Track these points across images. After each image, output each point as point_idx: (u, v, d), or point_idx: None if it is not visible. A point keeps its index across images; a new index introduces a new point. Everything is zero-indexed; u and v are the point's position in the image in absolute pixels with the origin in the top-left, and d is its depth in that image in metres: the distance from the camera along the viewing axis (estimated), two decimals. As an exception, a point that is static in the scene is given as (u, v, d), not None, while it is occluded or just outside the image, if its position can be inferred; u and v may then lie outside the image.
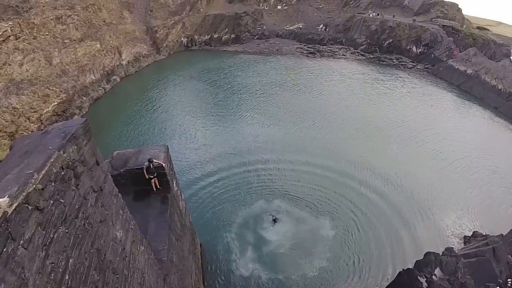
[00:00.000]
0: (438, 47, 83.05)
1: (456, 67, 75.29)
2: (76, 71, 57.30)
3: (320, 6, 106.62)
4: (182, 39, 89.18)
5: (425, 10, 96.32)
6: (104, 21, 64.94)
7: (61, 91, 52.77)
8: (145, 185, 16.76)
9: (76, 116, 53.27)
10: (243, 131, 46.66)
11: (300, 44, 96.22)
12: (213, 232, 29.48)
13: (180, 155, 40.18)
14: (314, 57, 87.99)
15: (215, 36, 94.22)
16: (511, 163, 43.95)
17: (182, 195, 21.31)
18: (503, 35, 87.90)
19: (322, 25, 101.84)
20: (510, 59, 67.94)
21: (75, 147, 7.10)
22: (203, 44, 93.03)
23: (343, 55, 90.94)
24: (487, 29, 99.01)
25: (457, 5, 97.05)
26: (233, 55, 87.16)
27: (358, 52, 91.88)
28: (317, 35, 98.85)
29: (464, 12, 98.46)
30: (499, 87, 65.17)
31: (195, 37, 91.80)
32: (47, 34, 51.53)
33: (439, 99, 64.36)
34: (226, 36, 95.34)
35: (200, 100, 57.36)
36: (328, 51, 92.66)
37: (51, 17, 51.91)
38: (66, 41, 55.53)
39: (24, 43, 46.17)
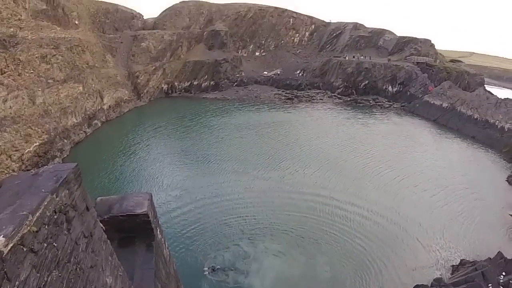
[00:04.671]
0: (414, 84, 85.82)
1: (432, 102, 77.43)
2: (58, 112, 55.34)
3: (297, 52, 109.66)
4: (163, 85, 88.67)
5: (399, 49, 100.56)
6: (87, 64, 63.71)
7: (43, 132, 50.60)
8: (129, 232, 16.17)
9: (57, 159, 51.08)
10: (222, 178, 45.02)
11: (278, 90, 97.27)
12: (196, 279, 27.56)
13: (162, 202, 38.37)
14: (292, 102, 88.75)
15: (195, 83, 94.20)
16: (491, 189, 44.44)
17: (166, 243, 21.38)
18: (476, 64, 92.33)
19: (299, 70, 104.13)
20: (484, 87, 70.41)
21: (67, 191, 7.14)
22: (183, 91, 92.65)
23: (320, 99, 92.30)
24: (460, 61, 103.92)
25: (430, 41, 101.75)
26: (212, 102, 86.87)
27: (335, 96, 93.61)
28: (294, 81, 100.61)
29: (437, 46, 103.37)
30: (475, 116, 66.97)
31: (176, 83, 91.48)
32: (32, 72, 49.76)
33: (416, 135, 65.37)
34: (206, 83, 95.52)
35: (180, 147, 56.00)
36: (306, 96, 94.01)
37: (37, 55, 50.33)
38: (49, 81, 53.83)
39: (9, 79, 44.21)
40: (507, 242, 33.68)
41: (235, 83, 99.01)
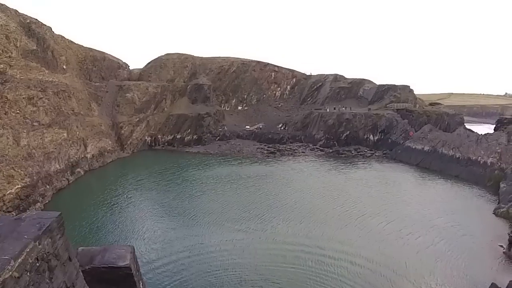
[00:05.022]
0: (395, 131, 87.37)
1: (413, 146, 78.41)
2: (42, 157, 53.41)
3: (279, 105, 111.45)
4: (146, 137, 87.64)
5: (379, 97, 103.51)
6: (72, 110, 62.50)
7: (26, 175, 48.47)
8: (111, 284, 17.01)
9: (38, 204, 48.49)
10: (205, 230, 43.11)
11: (261, 144, 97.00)
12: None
13: (143, 253, 36.64)
14: (275, 156, 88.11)
15: (178, 136, 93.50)
16: (478, 223, 44.00)
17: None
18: (455, 105, 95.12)
19: (281, 124, 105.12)
20: (465, 126, 71.72)
21: (50, 240, 7.25)
22: (166, 144, 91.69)
23: (302, 152, 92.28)
24: (440, 103, 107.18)
25: (409, 86, 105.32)
26: (195, 156, 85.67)
27: (317, 148, 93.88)
28: (276, 134, 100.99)
29: (416, 91, 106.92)
30: (457, 156, 67.73)
31: (159, 136, 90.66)
32: (18, 113, 48.25)
33: (398, 180, 65.10)
34: (189, 137, 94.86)
35: (162, 200, 54.27)
36: (288, 149, 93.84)
37: (24, 96, 49.08)
38: (35, 123, 52.28)
39: (-5, 116, 42.13)
40: (500, 272, 32.67)
41: (218, 137, 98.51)
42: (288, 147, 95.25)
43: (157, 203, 52.39)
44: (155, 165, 73.39)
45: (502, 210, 47.57)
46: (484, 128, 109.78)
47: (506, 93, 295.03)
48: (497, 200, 52.29)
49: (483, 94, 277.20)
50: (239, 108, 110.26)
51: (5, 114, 45.08)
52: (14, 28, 47.75)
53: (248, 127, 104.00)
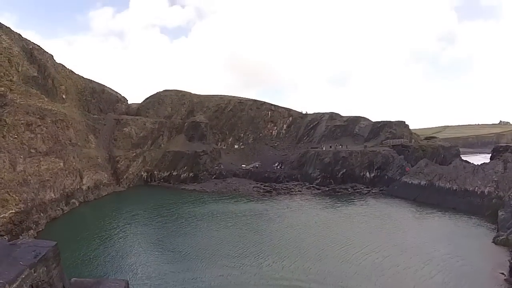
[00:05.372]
0: (391, 168, 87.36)
1: (410, 182, 78.13)
2: (37, 184, 53.33)
3: (275, 144, 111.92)
4: (142, 173, 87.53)
5: (375, 134, 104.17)
6: (70, 140, 62.82)
7: (20, 201, 48.41)
8: None
9: (31, 231, 47.95)
10: (199, 267, 42.46)
11: (257, 183, 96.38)
12: None
13: None
14: (271, 195, 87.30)
15: (175, 173, 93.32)
16: (477, 253, 43.32)
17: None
18: (451, 137, 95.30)
19: (277, 162, 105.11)
20: (461, 157, 71.69)
21: (45, 268, 7.28)
22: (162, 180, 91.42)
23: (299, 191, 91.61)
24: (435, 137, 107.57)
25: (404, 122, 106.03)
26: (191, 194, 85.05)
27: (313, 187, 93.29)
28: (273, 173, 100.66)
29: (412, 126, 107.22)
30: (454, 188, 67.45)
31: (155, 172, 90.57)
32: (16, 138, 48.41)
33: (395, 216, 64.28)
34: (185, 174, 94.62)
35: (157, 236, 53.70)
36: (284, 188, 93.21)
37: (22, 121, 49.46)
38: (32, 150, 52.43)
39: (-7, 138, 42.26)
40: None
41: (214, 176, 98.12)
42: (285, 186, 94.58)
43: (151, 238, 51.91)
44: (151, 201, 72.86)
45: (501, 237, 46.95)
46: (480, 158, 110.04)
47: (500, 121, 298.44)
48: (496, 229, 51.71)
49: (478, 124, 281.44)
50: (236, 146, 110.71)
51: (3, 137, 45.22)
52: (17, 52, 48.91)
53: (244, 165, 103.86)
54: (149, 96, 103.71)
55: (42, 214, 51.99)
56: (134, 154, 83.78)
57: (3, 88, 44.14)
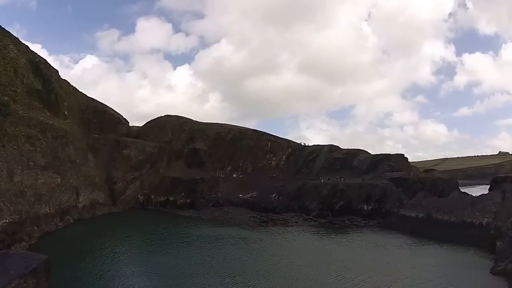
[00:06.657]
0: (388, 200, 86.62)
1: (408, 214, 77.13)
2: (33, 197, 53.75)
3: (274, 175, 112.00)
4: (139, 196, 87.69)
5: (373, 167, 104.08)
6: (69, 157, 63.55)
7: (15, 212, 48.78)
8: None
9: (24, 243, 48.01)
10: None
11: (254, 213, 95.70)
12: None
13: None
14: (267, 225, 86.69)
15: (171, 198, 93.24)
16: (474, 284, 42.58)
17: None
18: (450, 169, 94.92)
19: (275, 193, 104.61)
20: (459, 189, 71.11)
21: (35, 280, 8.37)
22: (158, 204, 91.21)
23: (295, 222, 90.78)
24: (434, 170, 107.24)
25: (403, 155, 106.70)
26: (187, 220, 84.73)
27: (310, 218, 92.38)
28: (270, 204, 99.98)
29: (411, 159, 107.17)
30: (452, 220, 66.27)
31: (152, 196, 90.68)
32: (15, 149, 49.30)
33: (390, 248, 63.17)
34: (182, 200, 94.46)
35: (149, 259, 52.91)
36: (281, 219, 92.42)
37: (23, 133, 50.44)
38: (30, 163, 53.19)
39: (-8, 147, 43.08)
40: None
41: (211, 203, 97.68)
42: (281, 216, 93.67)
43: (143, 261, 51.45)
44: (146, 224, 72.72)
45: (499, 268, 46.01)
46: (480, 189, 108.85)
47: (500, 151, 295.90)
48: (494, 259, 51.14)
49: (477, 156, 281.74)
50: (234, 175, 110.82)
51: (2, 146, 46.02)
52: (23, 63, 50.39)
53: (242, 195, 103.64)
54: (150, 120, 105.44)
55: (36, 227, 52.00)
56: (132, 176, 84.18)
57: (6, 98, 45.33)
